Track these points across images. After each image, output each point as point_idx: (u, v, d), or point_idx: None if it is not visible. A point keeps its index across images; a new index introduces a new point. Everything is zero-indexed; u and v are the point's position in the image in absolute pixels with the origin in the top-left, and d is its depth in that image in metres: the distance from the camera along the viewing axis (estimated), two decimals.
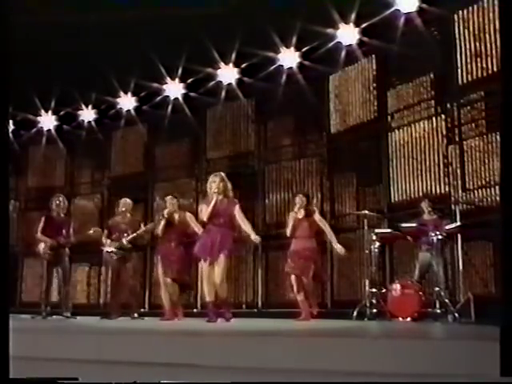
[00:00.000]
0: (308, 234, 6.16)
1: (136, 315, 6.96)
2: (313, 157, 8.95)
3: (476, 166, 6.96)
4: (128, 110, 10.71)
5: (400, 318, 5.90)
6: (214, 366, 2.49)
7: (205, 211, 5.52)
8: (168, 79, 9.93)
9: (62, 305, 7.02)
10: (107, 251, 7.06)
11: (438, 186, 7.37)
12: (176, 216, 6.55)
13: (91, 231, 7.29)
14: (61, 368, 2.60)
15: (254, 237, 5.53)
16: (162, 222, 6.50)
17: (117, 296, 7.15)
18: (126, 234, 6.97)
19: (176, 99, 10.12)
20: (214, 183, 5.54)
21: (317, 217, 6.26)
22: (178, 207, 6.71)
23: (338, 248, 6.26)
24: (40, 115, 11.40)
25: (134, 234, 6.99)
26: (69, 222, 7.38)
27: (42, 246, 7.03)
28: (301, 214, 6.20)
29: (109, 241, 7.07)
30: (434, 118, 7.56)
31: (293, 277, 6.14)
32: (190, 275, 7.32)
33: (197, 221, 6.26)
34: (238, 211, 5.55)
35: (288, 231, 6.25)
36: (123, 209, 7.24)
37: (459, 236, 6.71)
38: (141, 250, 7.43)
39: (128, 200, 7.49)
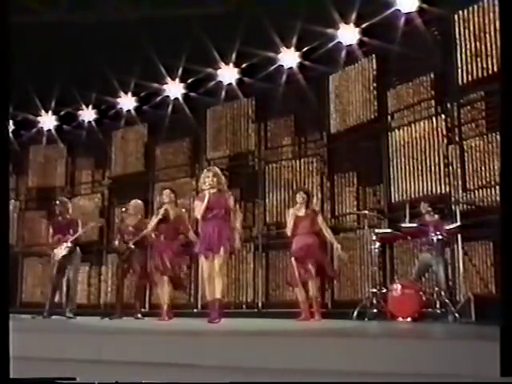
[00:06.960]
0: (308, 231, 6.09)
1: (139, 316, 6.92)
2: (313, 157, 8.94)
3: (476, 165, 6.95)
4: (128, 110, 10.71)
5: (400, 318, 5.89)
6: (214, 365, 2.49)
7: (198, 208, 5.45)
8: (168, 79, 9.92)
9: (66, 305, 6.99)
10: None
11: (438, 186, 7.36)
12: (171, 212, 6.41)
13: (92, 224, 7.32)
14: (61, 368, 2.61)
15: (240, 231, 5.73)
16: (158, 217, 6.34)
17: (121, 297, 7.13)
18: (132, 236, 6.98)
19: (176, 99, 10.12)
20: (208, 178, 5.47)
21: (319, 219, 6.22)
22: (175, 203, 6.57)
23: (342, 254, 6.46)
24: (40, 115, 11.39)
25: (137, 238, 6.94)
26: (75, 221, 7.25)
27: (57, 252, 6.99)
28: (301, 211, 6.17)
29: (116, 242, 7.12)
30: (433, 118, 7.55)
31: (297, 275, 6.09)
32: (182, 273, 7.26)
33: (189, 219, 6.29)
34: (232, 204, 5.52)
35: (289, 231, 6.19)
36: (134, 211, 7.20)
37: (459, 236, 6.71)
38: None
39: (139, 202, 7.40)
